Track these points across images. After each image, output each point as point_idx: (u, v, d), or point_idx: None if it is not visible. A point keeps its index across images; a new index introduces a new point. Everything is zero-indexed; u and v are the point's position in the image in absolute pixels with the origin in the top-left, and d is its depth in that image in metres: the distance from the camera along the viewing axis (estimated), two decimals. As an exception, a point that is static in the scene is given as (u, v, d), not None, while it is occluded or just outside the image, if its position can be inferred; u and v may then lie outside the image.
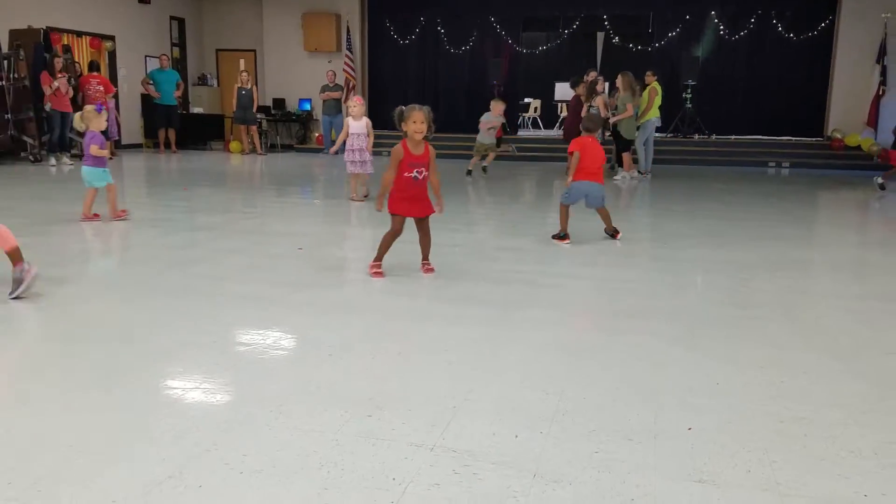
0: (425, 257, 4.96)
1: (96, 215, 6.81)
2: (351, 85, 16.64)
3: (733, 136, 15.44)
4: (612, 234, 6.27)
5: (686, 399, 2.83)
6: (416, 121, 4.59)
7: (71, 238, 6.24)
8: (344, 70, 16.60)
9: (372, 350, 3.38)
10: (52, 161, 12.11)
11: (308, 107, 17.28)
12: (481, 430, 2.52)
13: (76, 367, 3.07)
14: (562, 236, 6.00)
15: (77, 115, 6.82)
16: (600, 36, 17.05)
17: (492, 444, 2.42)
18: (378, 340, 3.54)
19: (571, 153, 6.09)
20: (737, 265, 5.39)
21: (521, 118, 17.37)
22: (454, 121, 16.27)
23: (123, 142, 15.60)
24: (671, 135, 15.33)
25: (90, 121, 6.65)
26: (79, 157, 13.07)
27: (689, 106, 15.14)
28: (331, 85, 15.76)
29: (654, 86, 11.76)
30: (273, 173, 12.46)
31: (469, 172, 11.45)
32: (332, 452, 2.34)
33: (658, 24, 16.45)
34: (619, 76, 11.57)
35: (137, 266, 5.17)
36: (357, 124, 8.28)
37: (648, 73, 12.05)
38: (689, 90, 15.05)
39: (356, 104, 8.38)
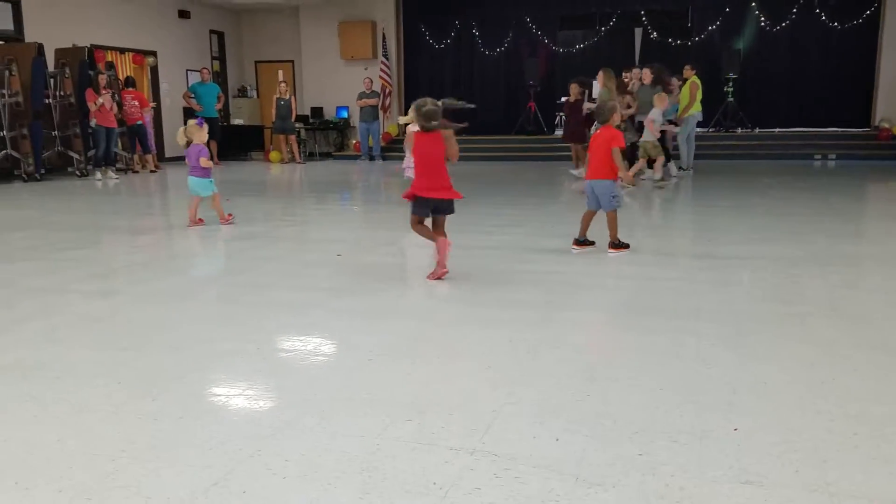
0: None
1: (201, 220, 7.22)
2: (388, 91, 16.75)
3: (777, 129, 15.16)
4: (614, 244, 5.60)
5: (731, 399, 2.78)
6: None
7: (118, 250, 6.39)
8: (380, 77, 16.71)
9: (411, 355, 3.39)
10: (98, 175, 12.41)
11: (345, 114, 17.43)
12: (522, 433, 2.51)
13: (123, 375, 3.13)
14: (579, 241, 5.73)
15: (181, 129, 7.16)
16: (638, 32, 16.88)
17: (533, 448, 2.40)
18: (417, 345, 3.54)
19: None
20: (783, 261, 5.28)
21: (558, 117, 17.26)
22: (492, 123, 16.26)
23: (167, 155, 15.92)
24: (713, 129, 15.10)
25: (193, 134, 7.01)
26: (123, 171, 13.42)
27: (731, 99, 14.90)
28: (368, 92, 15.88)
29: (694, 80, 11.56)
30: (312, 181, 12.59)
31: (660, 181, 10.32)
32: (373, 457, 2.34)
33: (697, 17, 16.23)
34: (601, 72, 11.07)
35: (181, 275, 5.26)
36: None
37: (687, 67, 11.87)
38: (730, 83, 14.82)
39: None
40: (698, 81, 11.58)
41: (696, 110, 11.68)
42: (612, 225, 5.60)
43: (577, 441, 2.44)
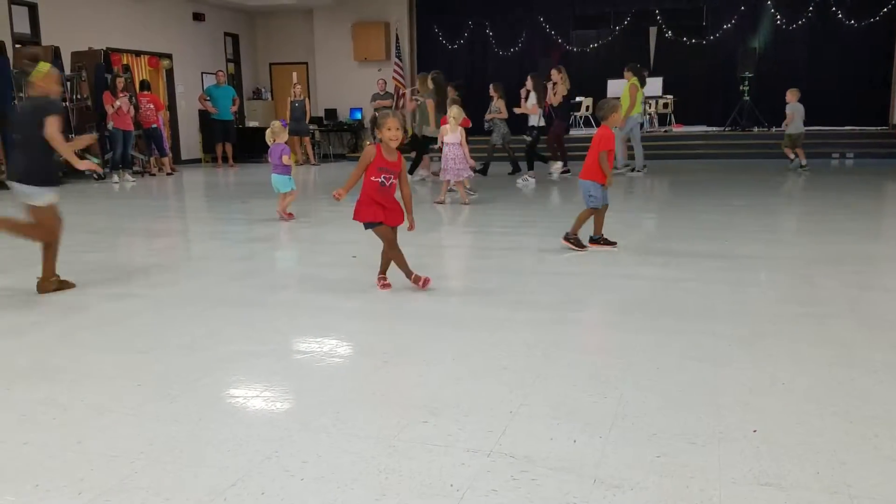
0: (382, 271, 4.71)
1: (290, 214, 7.70)
2: (401, 92, 16.76)
3: (794, 128, 15.04)
4: (570, 240, 5.73)
5: (749, 400, 2.76)
6: (392, 127, 4.38)
7: (135, 252, 6.43)
8: (393, 78, 16.73)
9: (426, 356, 3.39)
10: (115, 178, 12.49)
11: (359, 116, 17.46)
12: (538, 434, 2.50)
13: (142, 378, 3.16)
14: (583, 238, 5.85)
15: (268, 130, 7.57)
16: (653, 31, 16.81)
17: (550, 450, 2.39)
18: (432, 346, 3.54)
19: None
20: (799, 261, 5.24)
21: (572, 117, 17.22)
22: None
23: (183, 157, 16.01)
24: (729, 128, 15.01)
25: (277, 134, 7.50)
26: (140, 173, 13.52)
27: (747, 98, 14.81)
28: (381, 93, 15.89)
29: (634, 82, 11.28)
30: (326, 183, 12.62)
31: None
32: (389, 459, 2.35)
33: (712, 15, 16.15)
34: (418, 77, 10.90)
35: (198, 278, 5.29)
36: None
37: (625, 69, 11.56)
38: (746, 82, 14.72)
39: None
40: (638, 84, 11.32)
41: (637, 112, 11.40)
42: (580, 221, 5.75)
43: (595, 443, 2.43)
